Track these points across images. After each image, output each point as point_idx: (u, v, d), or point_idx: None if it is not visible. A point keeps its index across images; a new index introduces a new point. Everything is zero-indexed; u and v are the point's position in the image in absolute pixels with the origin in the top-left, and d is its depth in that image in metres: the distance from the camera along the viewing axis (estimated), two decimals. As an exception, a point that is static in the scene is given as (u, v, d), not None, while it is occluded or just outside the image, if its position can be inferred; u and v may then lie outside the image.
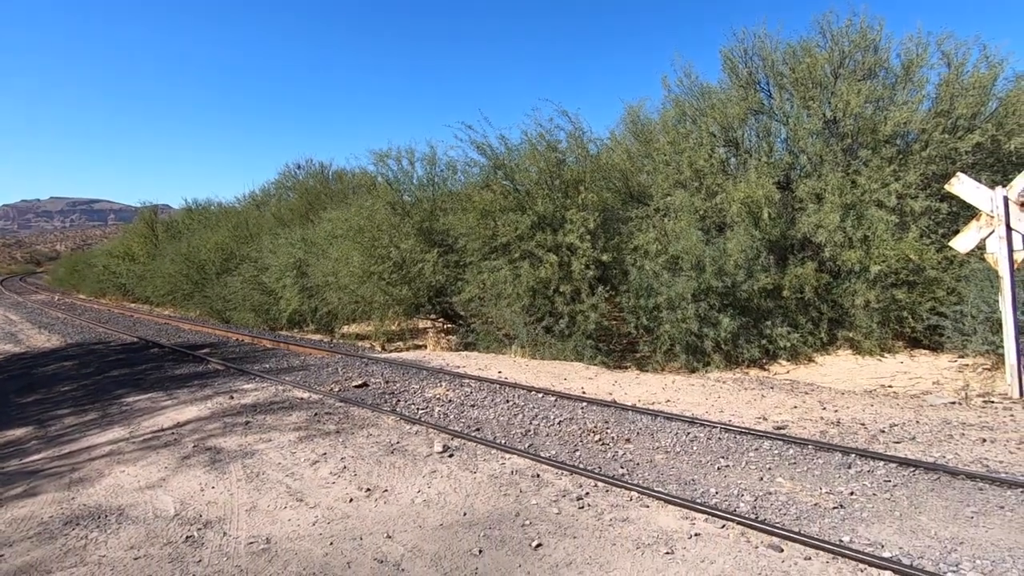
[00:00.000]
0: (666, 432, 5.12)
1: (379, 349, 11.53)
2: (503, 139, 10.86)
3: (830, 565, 2.95)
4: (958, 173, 6.61)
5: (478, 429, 5.38)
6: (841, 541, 3.19)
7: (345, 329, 14.15)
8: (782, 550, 3.11)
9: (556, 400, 6.25)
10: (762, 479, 4.11)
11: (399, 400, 6.47)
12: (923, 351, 8.31)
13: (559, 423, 5.48)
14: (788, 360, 8.70)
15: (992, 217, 6.19)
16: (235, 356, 9.85)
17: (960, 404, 5.82)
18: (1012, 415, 5.30)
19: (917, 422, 5.19)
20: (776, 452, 4.56)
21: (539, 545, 3.25)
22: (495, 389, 6.80)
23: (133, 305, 24.57)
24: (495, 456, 4.61)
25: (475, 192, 10.95)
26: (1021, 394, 5.95)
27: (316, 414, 5.89)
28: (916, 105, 8.51)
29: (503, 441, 4.99)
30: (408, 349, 11.45)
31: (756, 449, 4.64)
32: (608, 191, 10.65)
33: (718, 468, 4.33)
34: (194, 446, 5.07)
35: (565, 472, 4.25)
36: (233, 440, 5.18)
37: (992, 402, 5.87)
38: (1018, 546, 3.08)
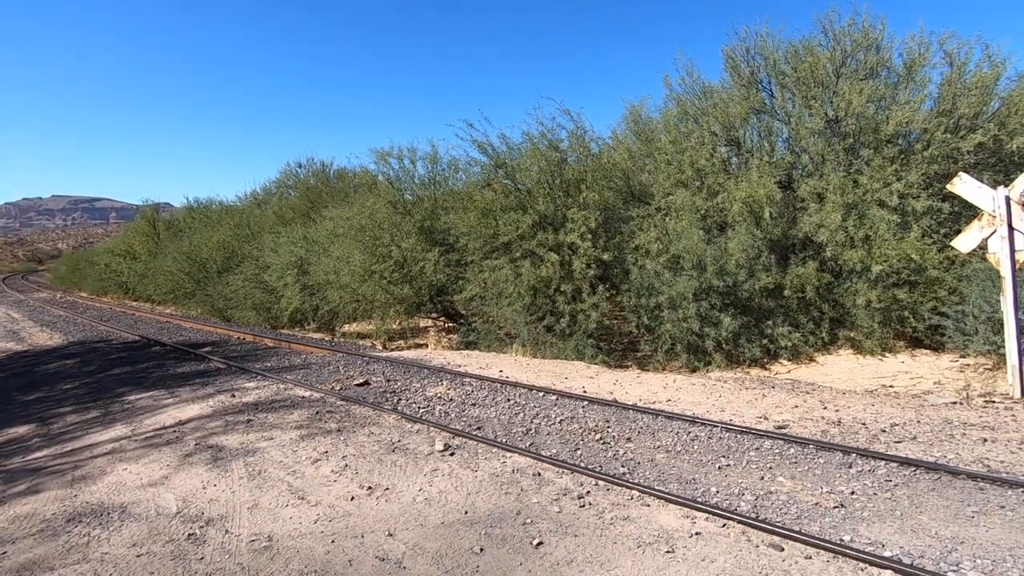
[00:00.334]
0: (667, 431, 5.13)
1: (380, 348, 11.54)
2: (504, 138, 10.88)
3: (831, 564, 2.96)
4: (960, 173, 6.61)
5: (479, 428, 5.38)
6: (842, 540, 3.19)
7: (346, 328, 14.16)
8: (783, 549, 3.11)
9: (557, 399, 6.26)
10: (763, 478, 4.11)
11: (400, 399, 6.48)
12: (924, 351, 8.31)
13: (560, 422, 5.49)
14: (789, 360, 8.70)
15: (994, 217, 6.18)
16: (237, 354, 9.86)
17: (961, 404, 5.82)
18: (1013, 415, 5.30)
19: (918, 422, 5.19)
20: (777, 451, 4.56)
21: (540, 543, 3.26)
22: (496, 388, 6.81)
23: (135, 303, 24.60)
24: (496, 455, 4.62)
25: (476, 191, 10.97)
26: (1022, 394, 5.95)
27: (318, 412, 5.90)
28: (918, 105, 8.51)
29: (504, 440, 5.00)
30: (409, 348, 11.46)
31: (757, 448, 4.65)
32: (609, 190, 10.65)
33: (719, 467, 4.34)
34: (196, 444, 5.08)
35: (566, 471, 4.25)
36: (235, 438, 5.19)
37: (993, 402, 5.86)
38: (1019, 546, 3.08)
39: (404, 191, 12.63)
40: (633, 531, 3.37)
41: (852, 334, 8.53)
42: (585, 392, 6.54)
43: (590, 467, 4.31)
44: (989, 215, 6.23)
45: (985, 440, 4.64)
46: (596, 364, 8.64)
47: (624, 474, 4.23)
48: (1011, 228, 6.10)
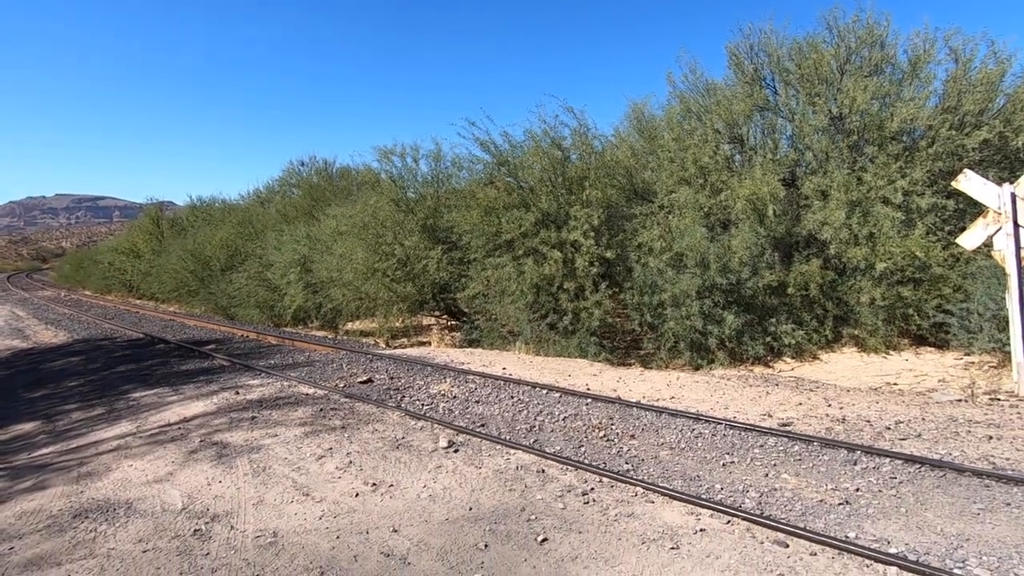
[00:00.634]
0: (671, 428, 5.13)
1: (383, 346, 11.56)
2: (506, 136, 10.87)
3: (836, 561, 2.95)
4: (965, 170, 6.58)
5: (483, 425, 5.39)
6: (847, 537, 3.19)
7: (349, 326, 14.18)
8: (788, 546, 3.11)
9: (561, 396, 6.26)
10: (767, 475, 4.11)
11: (404, 396, 6.49)
12: (929, 349, 8.29)
13: (564, 419, 5.49)
14: (792, 357, 8.69)
15: (999, 214, 6.15)
16: (240, 352, 9.89)
17: (966, 402, 5.80)
18: (1019, 413, 5.28)
19: (923, 419, 5.18)
20: (781, 449, 4.56)
21: (545, 540, 3.26)
22: (499, 385, 6.82)
23: (139, 301, 24.67)
24: (500, 452, 4.63)
25: (479, 189, 10.96)
26: (1028, 392, 5.92)
27: (322, 409, 5.92)
28: (923, 101, 8.46)
29: (508, 437, 5.00)
30: (412, 346, 11.47)
31: (761, 446, 4.64)
32: (612, 188, 10.63)
33: (723, 464, 4.34)
34: (201, 441, 5.10)
35: (570, 468, 4.25)
36: (239, 435, 5.21)
37: (999, 400, 5.85)
38: (1025, 543, 3.08)
39: (407, 189, 12.63)
40: (638, 528, 3.37)
41: (856, 332, 8.51)
42: (588, 389, 6.54)
43: (594, 464, 4.31)
44: (994, 212, 6.20)
45: (990, 438, 4.63)
46: (599, 362, 8.64)
47: (628, 471, 4.23)
48: (1016, 225, 6.07)
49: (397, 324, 12.35)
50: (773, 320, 8.65)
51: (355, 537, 3.38)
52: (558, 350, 9.20)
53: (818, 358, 8.62)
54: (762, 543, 3.15)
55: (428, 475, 4.20)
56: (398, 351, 10.01)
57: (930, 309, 7.94)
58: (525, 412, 5.73)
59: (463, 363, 8.18)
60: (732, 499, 3.75)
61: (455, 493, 3.90)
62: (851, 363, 8.25)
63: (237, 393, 6.71)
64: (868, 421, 5.18)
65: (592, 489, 3.89)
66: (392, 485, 4.05)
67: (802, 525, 3.31)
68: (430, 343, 11.45)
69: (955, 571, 2.83)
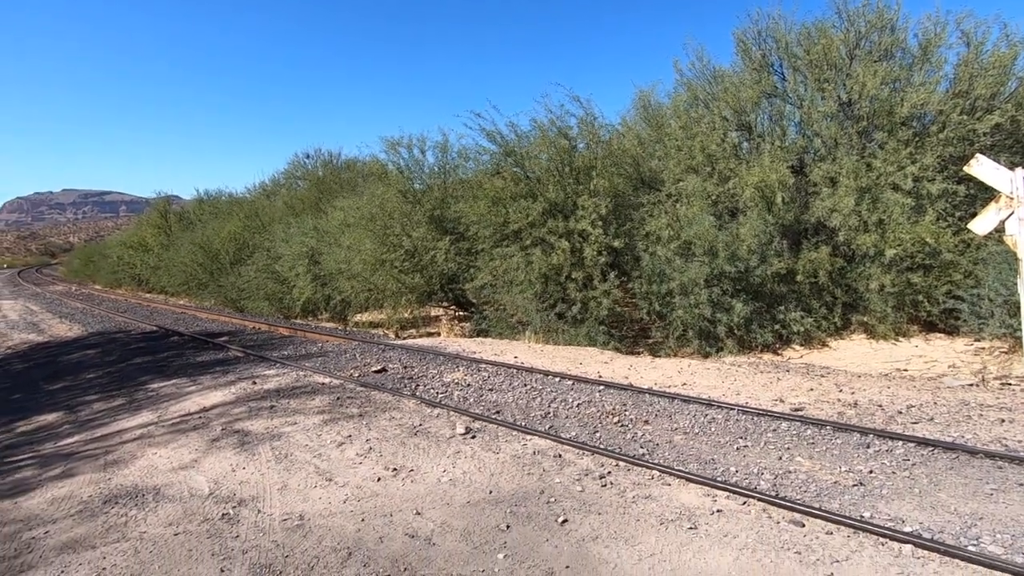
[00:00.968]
0: (684, 414, 5.19)
1: (393, 336, 11.66)
2: (513, 126, 10.87)
3: (852, 539, 3.02)
4: (977, 154, 6.56)
5: (498, 412, 5.47)
6: (862, 517, 3.25)
7: (358, 317, 14.29)
8: (804, 525, 3.18)
9: (573, 384, 6.33)
10: (781, 458, 4.17)
11: (418, 385, 6.58)
12: (939, 335, 8.30)
13: (577, 406, 5.57)
14: (801, 345, 8.72)
15: (1012, 199, 6.14)
16: (253, 343, 10.01)
17: (978, 386, 5.84)
18: (1030, 396, 5.32)
19: (934, 403, 5.22)
20: (794, 433, 4.62)
21: (565, 521, 3.34)
22: (512, 374, 6.89)
23: (148, 295, 24.88)
24: (516, 437, 4.71)
25: (486, 179, 10.98)
26: (1039, 376, 5.95)
27: (338, 398, 6.01)
28: (934, 86, 8.41)
29: (523, 423, 5.08)
30: (421, 336, 11.57)
31: (774, 430, 4.70)
32: (619, 177, 10.63)
33: (737, 448, 4.40)
34: (222, 429, 5.21)
35: (587, 452, 4.33)
36: (259, 423, 5.31)
37: (1010, 384, 5.88)
38: (1038, 521, 3.13)
39: (414, 180, 12.68)
40: (655, 509, 3.44)
41: (865, 319, 8.52)
42: (600, 377, 6.61)
43: (610, 449, 4.39)
44: (1007, 197, 6.19)
45: (1003, 420, 4.67)
46: (609, 350, 8.70)
47: (644, 455, 4.30)
48: (1029, 210, 6.06)
49: (406, 315, 12.44)
50: (782, 308, 8.68)
51: (379, 519, 3.47)
52: (567, 339, 9.26)
53: (827, 345, 8.65)
54: (778, 523, 3.22)
55: (447, 460, 4.29)
56: (408, 341, 10.10)
57: (940, 295, 7.94)
58: (539, 399, 5.81)
59: (474, 352, 8.26)
60: (747, 481, 3.81)
61: (475, 477, 3.99)
62: (860, 350, 8.28)
63: (254, 383, 6.81)
64: (880, 406, 5.22)
65: (609, 473, 3.96)
66: (412, 470, 4.14)
67: (817, 505, 3.38)
68: (439, 333, 11.54)
69: (969, 548, 2.90)
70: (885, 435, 4.40)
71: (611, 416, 5.22)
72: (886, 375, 6.78)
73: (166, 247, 24.60)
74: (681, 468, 3.98)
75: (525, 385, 6.34)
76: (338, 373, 7.20)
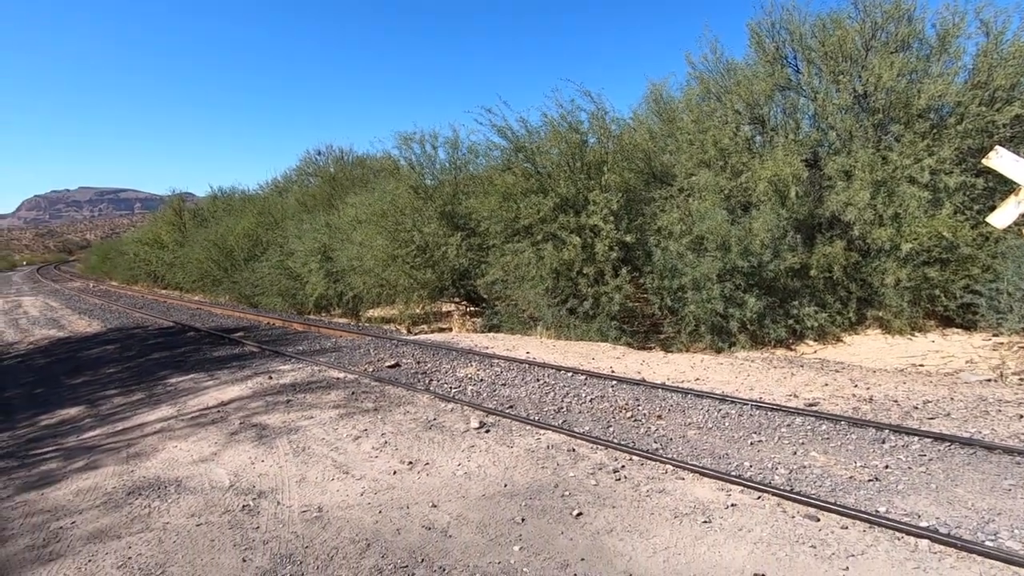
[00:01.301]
0: (697, 409, 5.19)
1: (405, 332, 11.74)
2: (523, 121, 10.86)
3: (867, 534, 3.02)
4: (996, 146, 6.45)
5: (511, 406, 5.51)
6: (878, 511, 3.25)
7: (371, 313, 14.39)
8: (819, 519, 3.18)
9: (586, 379, 6.35)
10: (795, 453, 4.17)
11: (432, 379, 6.64)
12: (956, 330, 8.20)
13: (590, 401, 5.59)
14: (815, 340, 8.66)
15: (1032, 191, 6.04)
16: (269, 339, 10.13)
17: (996, 381, 5.78)
18: (1049, 391, 5.25)
19: (951, 399, 5.18)
20: (809, 428, 4.61)
21: (580, 514, 3.37)
22: (524, 369, 6.93)
23: (164, 291, 25.23)
24: (530, 432, 4.74)
25: (496, 175, 10.99)
26: (1059, 371, 5.87)
27: (353, 392, 6.09)
28: (952, 77, 8.27)
29: (537, 418, 5.11)
30: (433, 331, 11.63)
31: (788, 425, 4.69)
32: (631, 172, 10.59)
33: (751, 443, 4.40)
34: (240, 423, 5.30)
35: (600, 446, 4.36)
36: (277, 417, 5.39)
37: (1028, 379, 5.81)
38: (1057, 517, 3.11)
39: (425, 176, 12.72)
40: (669, 503, 3.46)
41: (880, 313, 8.44)
42: (613, 372, 6.62)
43: (623, 443, 4.41)
44: (1026, 189, 6.09)
45: (1021, 416, 4.63)
46: (621, 346, 8.70)
47: (657, 449, 4.32)
48: (1049, 202, 5.96)
49: (418, 310, 12.51)
50: (795, 303, 8.61)
51: (396, 512, 3.52)
52: (579, 334, 9.27)
53: (841, 340, 8.58)
54: (793, 517, 3.23)
55: (462, 454, 4.33)
56: (421, 337, 10.18)
57: (957, 290, 7.84)
58: (552, 394, 5.84)
59: (487, 347, 8.31)
60: (762, 476, 3.82)
61: (489, 471, 4.03)
62: (876, 345, 8.20)
63: (270, 378, 6.91)
64: (895, 401, 5.19)
65: (623, 467, 3.99)
66: (428, 464, 4.19)
67: (832, 500, 3.38)
68: (451, 329, 11.60)
69: (987, 543, 2.89)
70: (901, 430, 4.38)
71: (624, 411, 5.24)
72: (902, 370, 6.72)
73: (181, 244, 24.89)
74: (695, 462, 3.99)
75: (538, 380, 6.37)
76: (352, 368, 7.28)
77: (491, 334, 10.14)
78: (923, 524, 3.09)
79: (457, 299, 13.19)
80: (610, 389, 5.92)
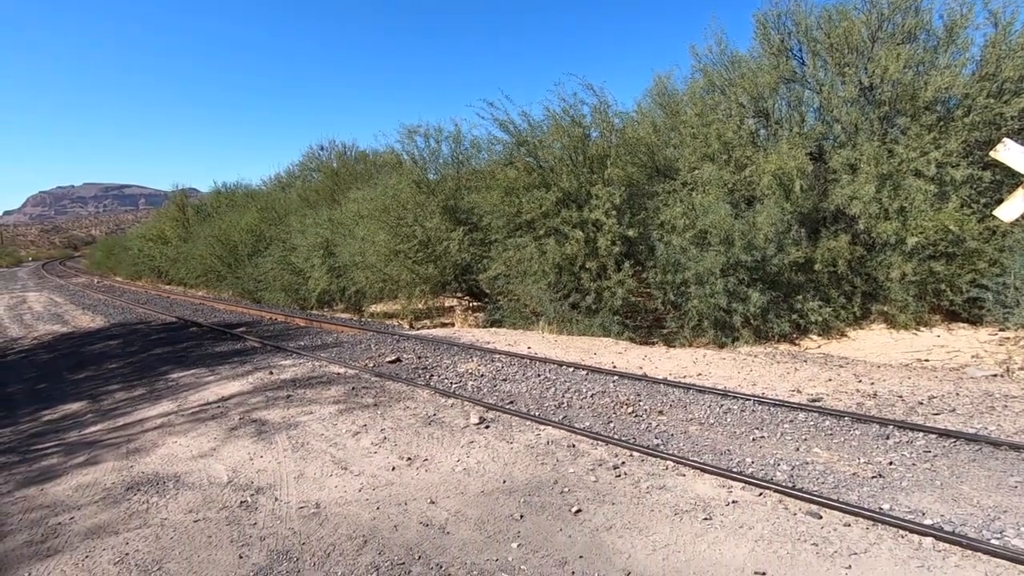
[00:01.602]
0: (699, 404, 5.15)
1: (407, 327, 11.72)
2: (525, 115, 10.79)
3: (870, 531, 2.98)
4: (1004, 139, 6.36)
5: (512, 402, 5.48)
6: (881, 509, 3.20)
7: (373, 308, 14.39)
8: (821, 517, 3.14)
9: (587, 374, 6.32)
10: (798, 449, 4.12)
11: (432, 375, 6.61)
12: (962, 324, 8.12)
13: (591, 396, 5.55)
14: (819, 335, 8.59)
15: (1040, 184, 5.96)
16: (270, 334, 10.13)
17: (1002, 377, 5.71)
18: (1057, 387, 5.19)
19: (957, 394, 5.12)
20: (812, 424, 4.56)
21: (579, 511, 3.34)
22: (526, 364, 6.89)
23: (168, 287, 25.29)
24: (530, 427, 4.71)
25: (498, 170, 10.94)
26: (1066, 366, 5.80)
27: (353, 388, 6.07)
28: (959, 69, 8.15)
29: (537, 413, 5.08)
30: (435, 327, 11.61)
31: (791, 421, 4.65)
32: (634, 166, 10.51)
33: (753, 439, 4.36)
34: (240, 418, 5.29)
35: (600, 442, 4.32)
36: (276, 413, 5.38)
37: (1035, 374, 5.74)
38: (1064, 514, 3.06)
39: (427, 170, 12.68)
40: (670, 499, 3.43)
41: (885, 308, 8.36)
42: (615, 367, 6.58)
43: (624, 439, 4.37)
44: (1035, 182, 6.00)
45: (1027, 412, 4.57)
46: (623, 340, 8.66)
47: (658, 445, 4.28)
48: (1058, 195, 5.88)
49: (420, 306, 12.50)
50: (799, 297, 8.55)
51: (394, 508, 3.50)
52: (581, 329, 9.23)
53: (846, 335, 8.52)
54: (795, 514, 3.19)
55: (461, 450, 4.31)
56: (423, 332, 10.16)
57: (964, 284, 7.75)
58: (552, 389, 5.80)
59: (488, 343, 8.28)
60: (763, 472, 3.78)
61: (488, 467, 4.00)
62: (880, 340, 8.13)
63: (271, 373, 6.90)
64: (900, 396, 5.13)
65: (623, 463, 3.95)
66: (427, 459, 4.17)
67: (835, 497, 3.34)
68: (453, 324, 11.57)
69: (992, 541, 2.84)
70: (905, 426, 4.33)
71: (625, 406, 5.20)
72: (907, 365, 6.66)
73: (184, 239, 24.94)
74: (696, 459, 3.95)
75: (539, 375, 6.33)
76: (353, 363, 7.26)
77: (493, 329, 10.11)
78: (927, 522, 3.04)
79: (459, 294, 13.16)
80: (611, 384, 5.89)
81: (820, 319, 8.39)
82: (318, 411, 5.37)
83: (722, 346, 8.54)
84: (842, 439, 4.25)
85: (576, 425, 4.72)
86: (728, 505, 3.33)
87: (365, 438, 4.64)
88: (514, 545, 3.04)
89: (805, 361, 6.78)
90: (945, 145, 7.83)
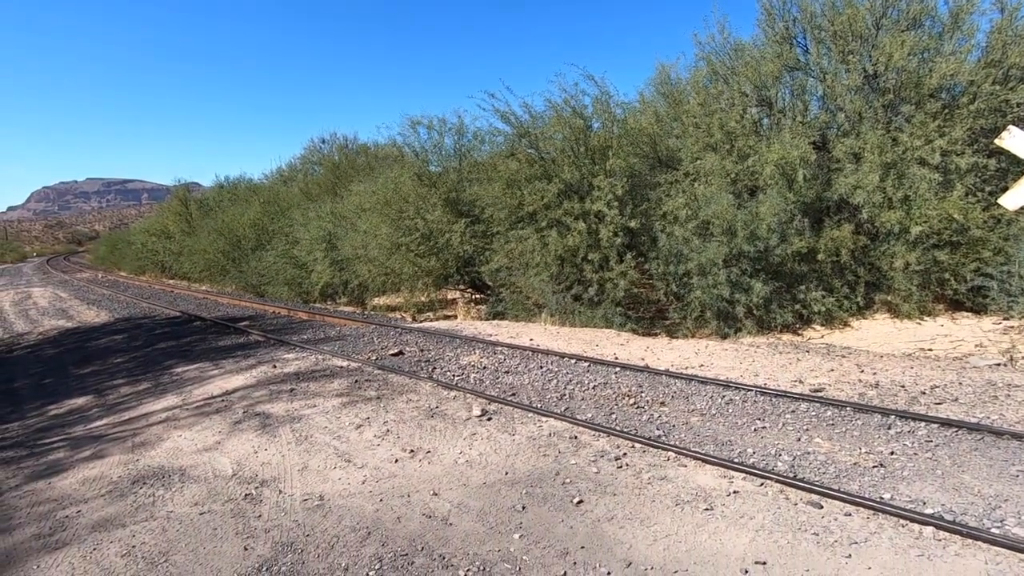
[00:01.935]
0: (701, 395, 5.16)
1: (410, 320, 11.75)
2: (527, 107, 10.73)
3: (871, 521, 2.99)
4: (1009, 126, 6.30)
5: (514, 394, 5.50)
6: (882, 498, 3.21)
7: (376, 301, 14.42)
8: (822, 507, 3.15)
9: (589, 366, 6.33)
10: (800, 440, 4.13)
11: (435, 367, 6.64)
12: (965, 314, 8.09)
13: (593, 388, 5.57)
14: (822, 325, 8.57)
15: (1046, 172, 5.91)
16: (274, 328, 10.17)
17: (1005, 366, 5.69)
18: (1060, 376, 5.17)
19: (959, 384, 5.11)
20: (813, 414, 4.57)
21: (580, 502, 3.36)
22: (528, 356, 6.91)
23: (171, 281, 25.39)
24: (532, 419, 4.73)
25: (500, 161, 10.90)
26: (1070, 355, 5.78)
27: (356, 381, 6.10)
28: (964, 56, 8.06)
29: (539, 405, 5.10)
30: (438, 319, 11.63)
31: (793, 411, 4.65)
32: (636, 156, 10.46)
33: (755, 429, 4.37)
34: (244, 412, 5.32)
35: (602, 434, 4.34)
36: (280, 406, 5.41)
37: (1039, 363, 5.72)
38: (1065, 503, 3.06)
39: (430, 162, 12.65)
40: (671, 490, 3.45)
41: (889, 298, 8.33)
42: (617, 359, 6.59)
43: (626, 430, 4.39)
44: (1040, 170, 5.95)
45: (1030, 401, 4.56)
46: (625, 332, 8.66)
47: (660, 436, 4.30)
48: (1064, 183, 5.83)
49: (422, 298, 12.51)
50: (802, 287, 8.52)
51: (397, 500, 3.53)
52: (584, 321, 9.24)
53: (849, 325, 8.49)
54: (796, 504, 3.20)
55: (464, 442, 4.33)
56: (425, 324, 10.18)
57: (968, 273, 7.71)
58: (555, 381, 5.82)
59: (490, 335, 8.29)
60: (765, 463, 3.79)
61: (491, 459, 4.02)
62: (883, 329, 8.11)
63: (274, 367, 6.94)
64: (902, 386, 5.13)
65: (625, 454, 3.97)
66: (429, 452, 4.19)
67: (836, 487, 3.34)
68: (456, 316, 11.60)
69: (992, 530, 2.85)
70: (907, 416, 4.33)
71: (627, 398, 5.22)
72: (909, 355, 6.64)
73: (187, 234, 24.99)
74: (697, 449, 3.97)
75: (541, 367, 6.35)
76: (356, 356, 7.29)
77: (495, 321, 10.13)
78: (928, 511, 3.05)
79: (462, 287, 13.17)
80: (613, 376, 5.90)
81: (823, 309, 8.36)
82: (321, 404, 5.40)
83: (724, 337, 8.53)
84: (844, 429, 4.26)
85: (578, 417, 4.74)
86: (729, 495, 3.34)
87: (368, 431, 4.67)
88: (516, 536, 3.06)
89: (808, 351, 6.77)
90: (950, 133, 7.76)
